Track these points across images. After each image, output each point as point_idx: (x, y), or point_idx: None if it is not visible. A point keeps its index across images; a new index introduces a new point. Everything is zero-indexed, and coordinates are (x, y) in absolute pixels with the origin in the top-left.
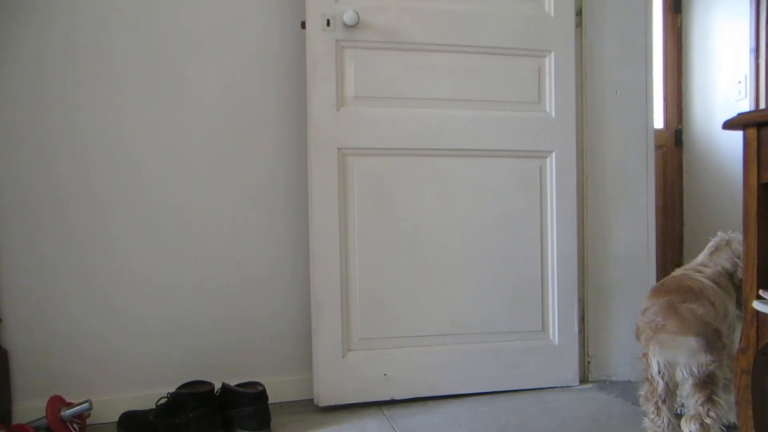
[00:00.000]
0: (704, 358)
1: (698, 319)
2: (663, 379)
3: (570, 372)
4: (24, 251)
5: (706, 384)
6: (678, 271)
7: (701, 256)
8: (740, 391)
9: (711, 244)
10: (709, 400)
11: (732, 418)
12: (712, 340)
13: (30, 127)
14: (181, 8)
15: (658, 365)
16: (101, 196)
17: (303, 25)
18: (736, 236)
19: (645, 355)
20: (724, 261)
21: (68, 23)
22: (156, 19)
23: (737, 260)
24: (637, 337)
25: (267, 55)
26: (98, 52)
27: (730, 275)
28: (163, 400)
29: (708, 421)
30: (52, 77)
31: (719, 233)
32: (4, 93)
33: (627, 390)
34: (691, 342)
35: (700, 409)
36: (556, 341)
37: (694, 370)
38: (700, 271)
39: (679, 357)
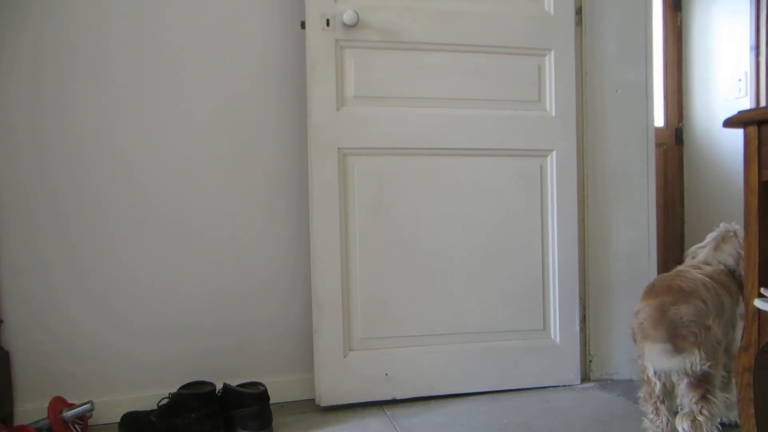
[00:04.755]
0: (676, 364)
1: (672, 327)
2: (660, 380)
3: (571, 371)
4: (23, 253)
5: (701, 383)
6: (674, 269)
7: (704, 253)
8: (742, 389)
9: (714, 235)
10: (703, 398)
11: (733, 416)
12: (702, 340)
13: (27, 128)
14: (179, 8)
15: (650, 365)
16: (100, 198)
17: (303, 25)
18: (740, 229)
19: (641, 356)
20: (728, 256)
21: (65, 24)
22: (153, 19)
23: (741, 252)
24: (634, 339)
25: (266, 55)
26: (95, 52)
27: (732, 272)
28: (165, 401)
29: (700, 418)
30: (49, 78)
31: (722, 224)
32: (1, 94)
33: (628, 388)
34: (660, 347)
35: (694, 407)
36: (558, 340)
37: (688, 370)
38: (699, 268)
39: (662, 364)
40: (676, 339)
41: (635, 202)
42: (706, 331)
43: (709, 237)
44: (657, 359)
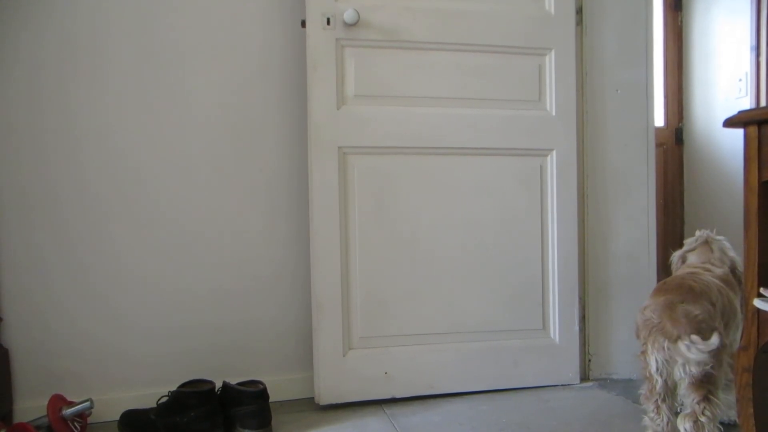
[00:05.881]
0: (701, 356)
1: (693, 320)
2: (661, 377)
3: (571, 370)
4: (23, 251)
5: (703, 383)
6: (684, 270)
7: (696, 256)
8: (741, 389)
9: (697, 240)
10: (705, 399)
11: (733, 416)
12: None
13: (28, 128)
14: (179, 7)
15: (656, 363)
16: (100, 197)
17: (303, 23)
18: (717, 237)
19: (643, 353)
20: (724, 256)
21: (66, 24)
22: (154, 18)
23: (731, 255)
24: (637, 335)
25: (267, 54)
26: (96, 52)
27: (733, 271)
28: (164, 399)
29: (702, 419)
30: (50, 78)
31: (698, 232)
32: (1, 94)
33: (628, 388)
34: (696, 338)
35: (696, 407)
36: (557, 340)
37: (693, 369)
38: (708, 270)
39: (676, 358)
40: (700, 328)
41: (635, 201)
42: (712, 333)
43: (691, 241)
44: (694, 351)
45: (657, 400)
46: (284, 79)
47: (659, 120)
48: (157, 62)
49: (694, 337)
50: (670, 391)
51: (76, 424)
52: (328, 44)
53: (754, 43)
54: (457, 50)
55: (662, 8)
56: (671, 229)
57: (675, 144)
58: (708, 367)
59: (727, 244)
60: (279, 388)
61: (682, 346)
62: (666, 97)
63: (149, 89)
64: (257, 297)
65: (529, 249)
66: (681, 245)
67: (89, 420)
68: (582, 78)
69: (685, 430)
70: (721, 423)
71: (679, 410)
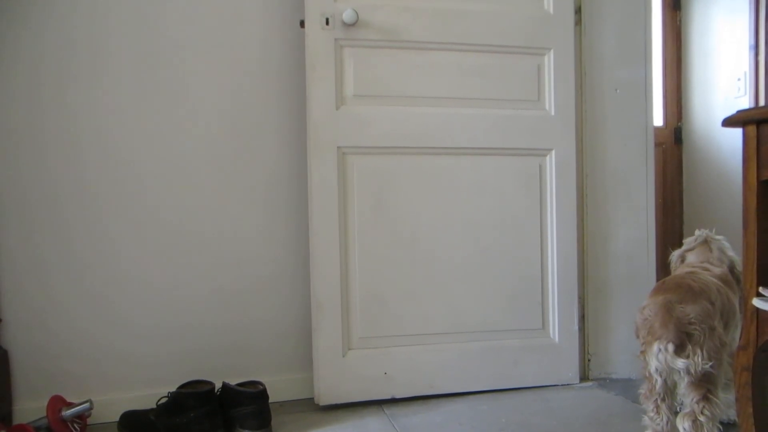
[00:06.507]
0: (662, 366)
1: (681, 327)
2: (661, 376)
3: (570, 370)
4: (23, 252)
5: (702, 383)
6: (683, 269)
7: (695, 255)
8: (740, 388)
9: (696, 239)
10: (705, 398)
11: (733, 415)
12: (705, 340)
13: (28, 128)
14: (178, 7)
15: (656, 362)
16: (99, 197)
17: (302, 23)
18: (716, 236)
19: (643, 352)
20: (722, 256)
21: (66, 24)
22: (153, 18)
23: (730, 255)
24: (636, 335)
25: (266, 54)
26: (95, 52)
27: (732, 271)
28: (164, 400)
29: (701, 418)
30: (50, 78)
31: (697, 231)
32: (1, 94)
33: (627, 388)
34: (672, 347)
35: (695, 406)
36: (557, 339)
37: (691, 369)
38: (707, 269)
39: (669, 363)
40: (682, 338)
41: (634, 201)
42: (711, 331)
43: (690, 240)
44: (661, 357)
45: (657, 399)
46: (283, 79)
47: (658, 119)
48: (156, 62)
49: (671, 346)
50: (669, 391)
51: (75, 425)
52: (327, 44)
53: (752, 42)
54: (457, 50)
55: (661, 8)
56: (670, 228)
57: (674, 143)
58: (708, 366)
59: (726, 244)
60: (279, 388)
61: (654, 347)
62: (665, 96)
63: (148, 89)
64: (257, 297)
65: (529, 249)
66: (680, 245)
67: (89, 421)
68: (581, 78)
69: (684, 429)
70: (721, 422)
71: (678, 409)
